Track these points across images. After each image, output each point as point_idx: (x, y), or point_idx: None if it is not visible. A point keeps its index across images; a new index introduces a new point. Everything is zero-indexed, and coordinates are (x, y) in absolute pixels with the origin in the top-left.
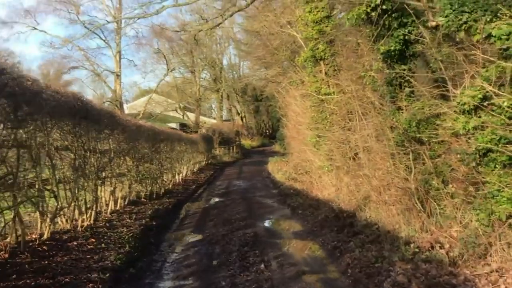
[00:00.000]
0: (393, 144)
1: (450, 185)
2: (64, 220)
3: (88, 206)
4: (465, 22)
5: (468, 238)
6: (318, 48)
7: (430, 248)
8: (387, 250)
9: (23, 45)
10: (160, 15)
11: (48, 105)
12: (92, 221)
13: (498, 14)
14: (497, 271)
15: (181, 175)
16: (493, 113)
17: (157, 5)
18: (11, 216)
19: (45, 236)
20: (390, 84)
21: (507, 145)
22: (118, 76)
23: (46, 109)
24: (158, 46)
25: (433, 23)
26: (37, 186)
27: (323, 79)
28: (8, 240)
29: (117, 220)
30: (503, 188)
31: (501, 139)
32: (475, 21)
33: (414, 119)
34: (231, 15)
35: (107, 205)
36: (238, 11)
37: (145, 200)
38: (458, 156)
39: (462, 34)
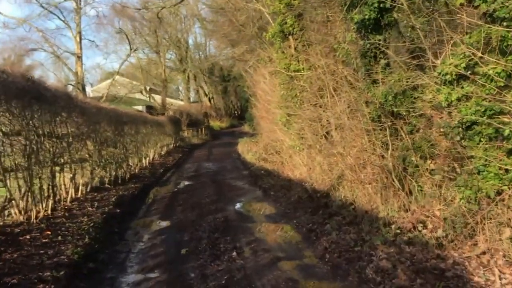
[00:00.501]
0: (368, 120)
1: (429, 161)
2: (17, 211)
3: (46, 195)
4: None
5: (453, 217)
6: (286, 23)
7: (412, 229)
8: (367, 232)
9: None
10: None
11: None
12: (49, 211)
13: None
14: (485, 252)
15: (148, 158)
16: (478, 83)
17: None
18: None
19: None
20: (365, 56)
21: (493, 117)
22: (79, 57)
23: None
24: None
25: None
26: None
27: (292, 55)
28: None
29: (77, 208)
30: (489, 162)
31: (486, 111)
32: None
33: (391, 93)
34: None
35: (67, 193)
36: None
37: (109, 186)
38: (442, 130)
39: None
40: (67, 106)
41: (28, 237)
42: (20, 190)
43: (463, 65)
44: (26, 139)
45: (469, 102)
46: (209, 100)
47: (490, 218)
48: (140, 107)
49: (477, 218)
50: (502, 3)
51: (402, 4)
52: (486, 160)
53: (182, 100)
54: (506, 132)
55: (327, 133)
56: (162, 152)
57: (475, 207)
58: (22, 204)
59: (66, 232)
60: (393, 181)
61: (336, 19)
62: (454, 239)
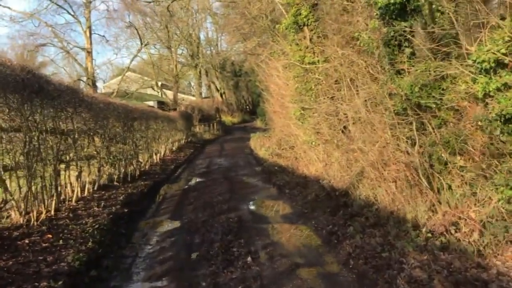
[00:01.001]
0: (392, 113)
1: (459, 157)
2: (17, 213)
3: (49, 194)
4: None
5: (491, 219)
6: (300, 14)
7: (445, 232)
8: (394, 236)
9: None
10: None
11: None
12: (53, 212)
13: None
14: None
15: (159, 154)
16: None
17: None
18: None
19: None
20: (388, 45)
21: None
22: (89, 52)
23: None
24: (130, 21)
25: None
26: None
27: (307, 47)
28: None
29: (83, 208)
30: None
31: None
32: None
33: (417, 84)
34: None
35: (73, 191)
36: None
37: (117, 183)
38: (479, 123)
39: None
40: (73, 101)
41: (27, 241)
42: (20, 190)
43: (503, 51)
44: (24, 136)
45: (509, 92)
46: (221, 95)
47: None
48: (151, 103)
49: None
50: None
51: None
52: None
53: (194, 95)
54: None
55: (345, 127)
56: (174, 148)
57: None
58: (22, 205)
59: (69, 235)
60: (420, 179)
61: (355, 7)
62: (495, 245)
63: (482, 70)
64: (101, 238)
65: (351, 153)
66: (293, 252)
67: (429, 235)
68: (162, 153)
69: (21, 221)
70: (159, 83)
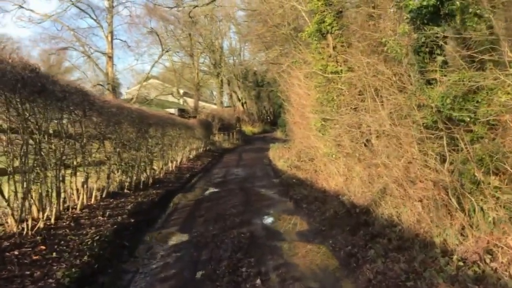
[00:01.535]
0: (421, 126)
1: (493, 177)
2: (13, 221)
3: (50, 201)
4: None
5: None
6: (324, 22)
7: (478, 261)
8: (420, 262)
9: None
10: None
11: None
12: (53, 220)
13: None
14: None
15: (175, 162)
16: None
17: None
18: None
19: None
20: (418, 52)
21: None
22: (110, 57)
23: None
24: (152, 27)
25: None
26: None
27: (330, 56)
28: None
29: (86, 217)
30: None
31: None
32: None
33: (450, 95)
34: None
35: (82, 199)
36: None
37: (128, 191)
38: None
39: None
40: (82, 104)
41: (16, 252)
42: (16, 196)
43: None
44: (22, 138)
45: None
46: (242, 105)
47: None
48: (172, 110)
49: None
50: None
51: None
52: None
53: (215, 104)
54: None
55: (368, 140)
56: (191, 156)
57: None
58: (18, 212)
59: (65, 247)
60: (450, 199)
61: (383, 12)
62: None
63: None
64: (100, 251)
65: (373, 168)
66: (307, 275)
67: (461, 263)
68: (179, 161)
69: (15, 230)
70: (181, 91)
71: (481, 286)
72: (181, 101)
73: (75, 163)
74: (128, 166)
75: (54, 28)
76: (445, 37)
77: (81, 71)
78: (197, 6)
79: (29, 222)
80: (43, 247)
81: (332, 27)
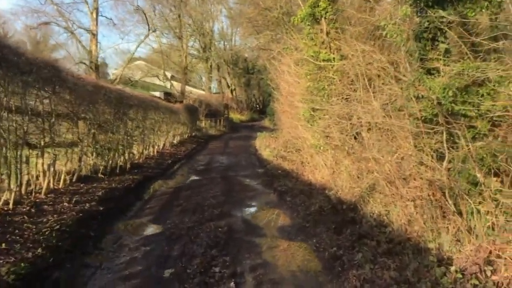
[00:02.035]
0: (418, 119)
1: (494, 178)
2: None
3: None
4: None
5: None
6: (319, 5)
7: (478, 273)
8: (413, 271)
9: None
10: None
11: None
12: (12, 205)
13: None
14: None
15: (156, 147)
16: None
17: None
18: None
19: None
20: (420, 39)
21: None
22: (94, 35)
23: None
24: (139, 4)
25: None
26: None
27: (323, 42)
28: None
29: (50, 203)
30: None
31: None
32: None
33: (452, 86)
34: None
35: (47, 182)
36: None
37: (103, 176)
38: None
39: None
40: (51, 80)
41: None
42: None
43: None
44: None
45: None
46: (231, 92)
47: None
48: (158, 93)
49: None
50: None
51: None
52: None
53: (203, 89)
54: None
55: (358, 133)
56: (175, 141)
57: None
58: None
59: (18, 237)
60: (447, 200)
61: None
62: None
63: None
64: (58, 242)
65: (363, 163)
66: (287, 278)
67: (459, 275)
68: (161, 146)
69: None
70: (169, 75)
71: None
72: (168, 85)
73: (42, 143)
74: (104, 149)
75: (37, 1)
76: (449, 22)
77: (65, 49)
78: None
79: None
80: None
81: (327, 11)
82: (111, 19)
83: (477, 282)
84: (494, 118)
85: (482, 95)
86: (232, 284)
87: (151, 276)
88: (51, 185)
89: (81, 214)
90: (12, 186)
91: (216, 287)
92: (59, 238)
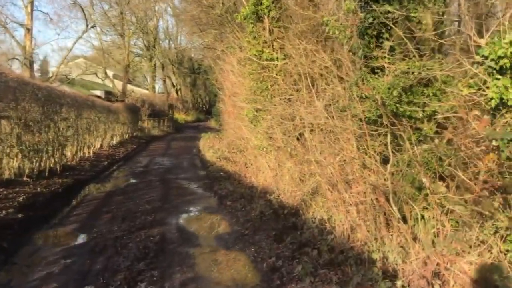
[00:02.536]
0: (362, 120)
1: (440, 183)
2: None
3: None
4: None
5: (493, 276)
6: (261, 4)
7: (426, 286)
8: (356, 286)
9: None
10: None
11: None
12: None
13: None
14: None
15: (92, 148)
16: None
17: None
18: None
19: None
20: (364, 35)
21: None
22: (28, 30)
23: None
24: None
25: None
26: None
27: (266, 41)
28: None
29: None
30: None
31: None
32: None
33: (397, 86)
34: None
35: None
36: None
37: (28, 179)
38: (493, 143)
39: None
40: None
41: None
42: None
43: None
44: None
45: None
46: (177, 92)
47: None
48: (98, 92)
49: None
50: None
51: None
52: None
53: (147, 89)
54: None
55: (301, 134)
56: (114, 142)
57: None
58: None
59: None
60: (391, 207)
61: None
62: None
63: (495, 70)
64: None
65: (306, 165)
66: None
67: None
68: (97, 147)
69: None
70: (111, 73)
71: None
72: (109, 84)
73: None
74: (30, 150)
75: None
76: (395, 18)
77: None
78: None
79: None
80: None
81: (270, 9)
82: (47, 13)
83: None
84: (441, 120)
85: (428, 96)
86: None
87: None
88: None
89: None
90: None
91: None
92: None
